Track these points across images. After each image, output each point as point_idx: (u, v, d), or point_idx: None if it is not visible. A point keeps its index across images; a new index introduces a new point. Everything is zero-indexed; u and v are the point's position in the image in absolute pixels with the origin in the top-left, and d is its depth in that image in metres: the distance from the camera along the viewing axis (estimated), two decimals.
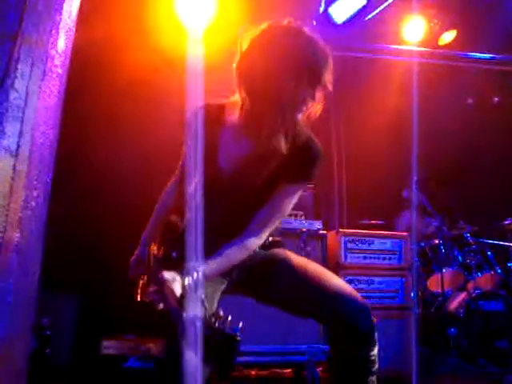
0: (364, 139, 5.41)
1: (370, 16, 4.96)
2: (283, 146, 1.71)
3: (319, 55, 1.66)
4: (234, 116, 1.80)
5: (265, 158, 1.78)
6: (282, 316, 3.16)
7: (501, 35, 5.14)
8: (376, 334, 1.87)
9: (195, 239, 1.51)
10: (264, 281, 1.93)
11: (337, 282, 1.92)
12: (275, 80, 1.63)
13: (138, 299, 1.89)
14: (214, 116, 1.83)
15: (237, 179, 1.82)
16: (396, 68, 5.18)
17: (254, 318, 3.22)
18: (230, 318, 1.41)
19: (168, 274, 1.55)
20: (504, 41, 5.22)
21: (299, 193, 1.86)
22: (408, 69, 5.05)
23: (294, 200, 1.85)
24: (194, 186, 1.67)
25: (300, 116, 1.72)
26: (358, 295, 1.91)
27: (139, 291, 1.91)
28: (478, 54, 5.46)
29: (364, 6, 4.82)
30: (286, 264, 1.94)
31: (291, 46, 1.64)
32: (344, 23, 4.84)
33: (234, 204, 1.85)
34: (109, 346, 3.52)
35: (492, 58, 5.49)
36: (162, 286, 1.53)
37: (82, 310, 3.81)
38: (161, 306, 1.57)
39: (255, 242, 1.79)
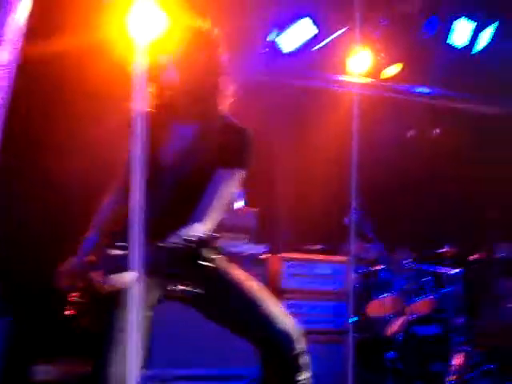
0: (308, 166, 5.51)
1: (317, 47, 5.12)
2: (189, 105, 1.98)
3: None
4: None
5: (196, 138, 1.98)
6: (218, 336, 3.14)
7: (442, 71, 5.40)
8: (306, 360, 1.88)
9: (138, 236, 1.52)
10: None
11: (271, 303, 1.95)
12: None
13: (68, 313, 1.84)
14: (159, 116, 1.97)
15: (176, 171, 1.95)
16: (340, 98, 5.35)
17: (187, 338, 3.16)
18: None
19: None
20: (445, 76, 5.49)
21: (235, 182, 1.97)
22: (351, 100, 5.20)
23: (232, 189, 1.97)
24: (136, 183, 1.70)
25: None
26: (290, 319, 1.93)
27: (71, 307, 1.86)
28: (420, 89, 5.71)
29: (312, 37, 4.96)
30: (225, 277, 1.99)
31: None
32: (291, 53, 4.97)
33: (176, 197, 1.95)
34: (42, 371, 3.38)
35: (433, 93, 5.76)
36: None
37: (13, 335, 3.64)
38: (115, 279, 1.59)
39: (200, 228, 1.84)
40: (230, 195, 1.97)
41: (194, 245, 1.64)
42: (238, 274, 2.03)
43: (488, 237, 4.70)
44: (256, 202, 4.14)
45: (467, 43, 4.94)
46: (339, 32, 5.12)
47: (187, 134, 1.99)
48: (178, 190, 1.95)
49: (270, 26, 4.90)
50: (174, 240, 1.66)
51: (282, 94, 5.27)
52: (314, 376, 3.12)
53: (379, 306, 4.35)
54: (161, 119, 1.95)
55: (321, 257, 4.16)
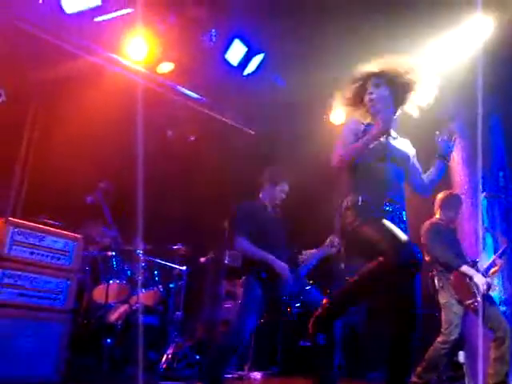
0: (61, 141, 5.16)
1: (100, 18, 4.90)
2: None
3: None
4: None
5: None
6: None
7: (212, 81, 5.68)
8: None
9: None
10: None
11: None
12: None
13: None
14: None
15: None
16: (116, 80, 5.20)
17: None
18: None
19: None
20: (211, 86, 5.78)
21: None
22: (124, 83, 5.14)
23: None
24: None
25: None
26: None
27: None
28: (187, 91, 5.89)
29: (97, 7, 4.76)
30: None
31: None
32: (73, 14, 4.69)
33: None
34: None
35: (199, 99, 6.01)
36: None
37: None
38: None
39: None
40: None
41: None
42: None
43: (219, 242, 4.99)
44: None
45: (240, 63, 5.30)
46: (124, 11, 5.01)
47: None
48: None
49: None
50: None
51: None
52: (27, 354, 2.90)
53: (105, 292, 4.26)
54: None
55: (53, 229, 3.84)
